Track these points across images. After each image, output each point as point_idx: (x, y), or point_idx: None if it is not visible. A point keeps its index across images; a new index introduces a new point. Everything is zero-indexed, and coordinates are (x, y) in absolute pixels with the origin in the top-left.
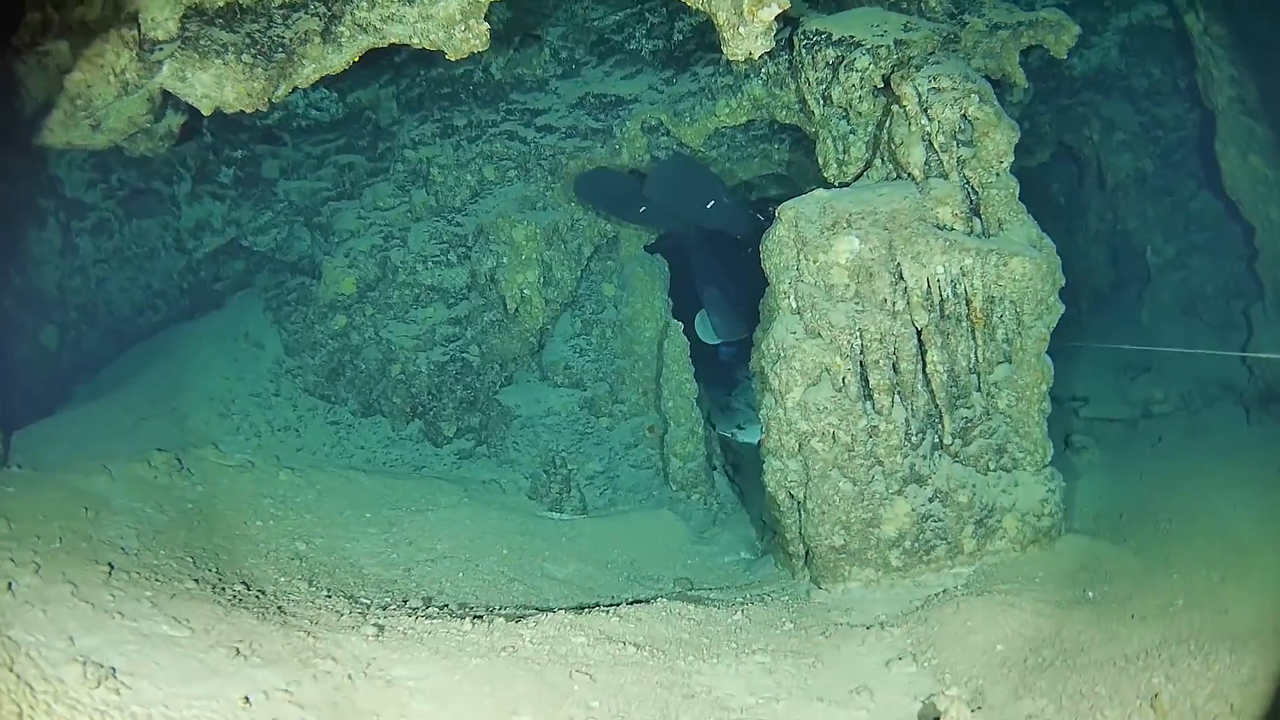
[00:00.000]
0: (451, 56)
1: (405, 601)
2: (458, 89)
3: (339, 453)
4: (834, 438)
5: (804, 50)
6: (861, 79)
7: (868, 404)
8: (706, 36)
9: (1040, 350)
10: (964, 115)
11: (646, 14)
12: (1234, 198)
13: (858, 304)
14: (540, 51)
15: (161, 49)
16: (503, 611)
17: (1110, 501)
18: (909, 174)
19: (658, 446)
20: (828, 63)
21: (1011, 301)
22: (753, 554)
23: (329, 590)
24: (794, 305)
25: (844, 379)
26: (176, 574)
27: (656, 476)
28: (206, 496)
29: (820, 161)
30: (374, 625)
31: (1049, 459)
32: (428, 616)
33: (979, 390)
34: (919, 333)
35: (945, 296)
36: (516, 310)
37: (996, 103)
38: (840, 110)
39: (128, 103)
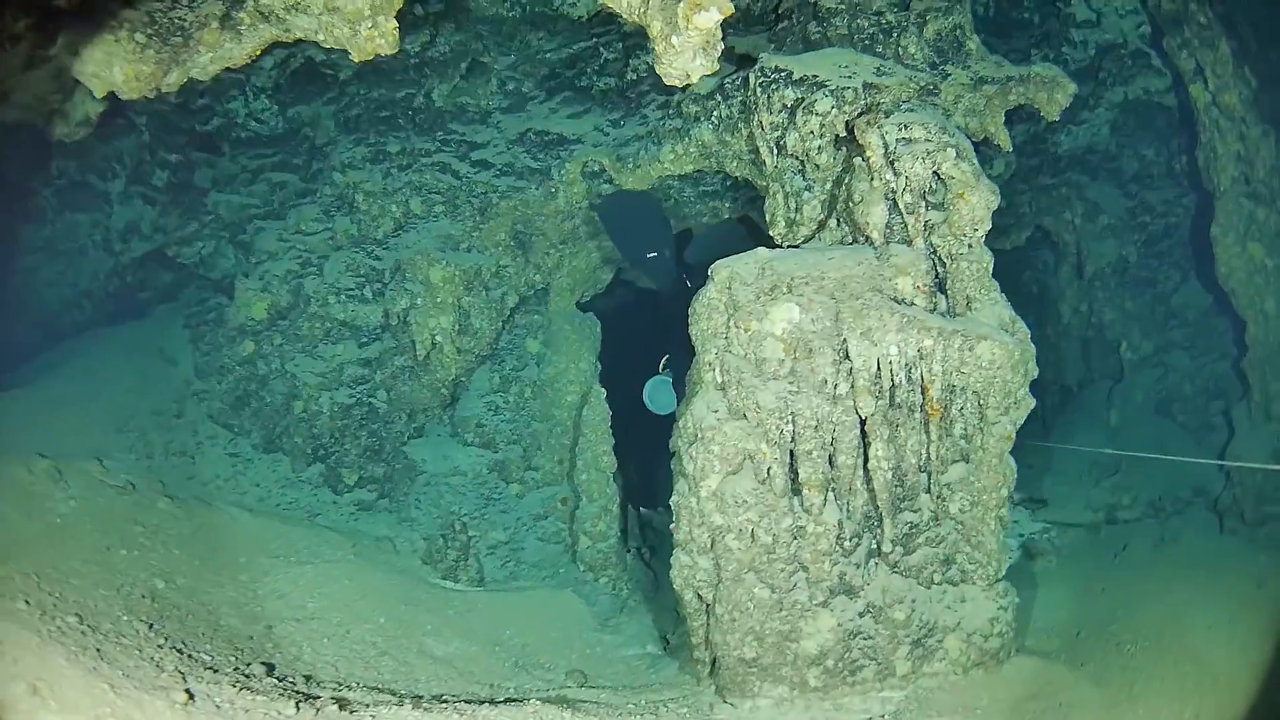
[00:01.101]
0: (356, 57)
1: (245, 665)
2: (397, 113)
3: (232, 487)
4: (753, 536)
5: (759, 90)
6: (822, 125)
7: (795, 500)
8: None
9: (1004, 450)
10: (937, 172)
11: (601, 49)
12: (1227, 288)
13: (792, 383)
14: (488, 81)
15: (63, 18)
16: (353, 692)
17: (1068, 616)
18: (867, 237)
19: (569, 521)
20: (785, 105)
21: (975, 392)
22: (661, 648)
23: (167, 639)
24: (719, 379)
25: (769, 469)
26: (10, 591)
27: (566, 553)
28: (78, 513)
29: (768, 218)
30: (186, 691)
31: (1003, 572)
32: (253, 690)
33: (929, 492)
34: (863, 422)
35: (898, 381)
36: (427, 357)
37: (976, 161)
38: (796, 162)
39: (33, 77)
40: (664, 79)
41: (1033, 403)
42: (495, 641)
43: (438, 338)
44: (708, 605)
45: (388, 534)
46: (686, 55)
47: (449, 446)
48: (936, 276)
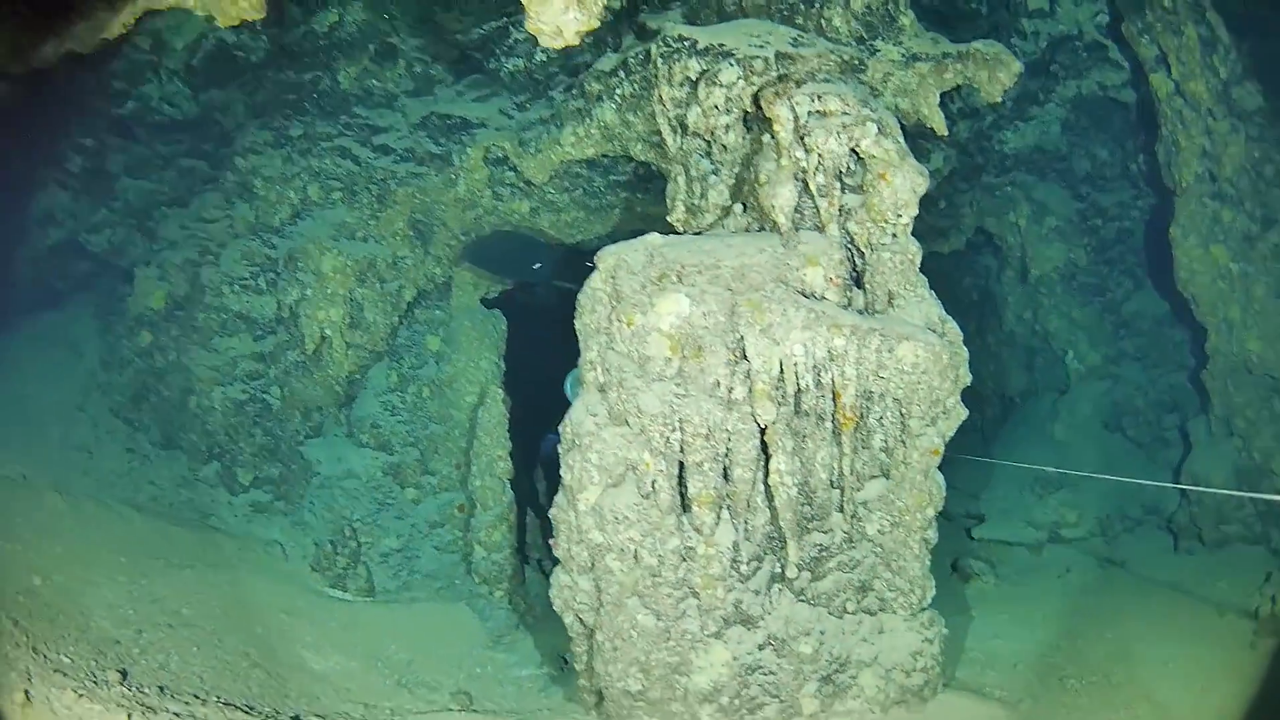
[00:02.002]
0: (222, 22)
1: (101, 671)
2: (304, 96)
3: (127, 484)
4: (635, 557)
5: (660, 61)
6: (727, 99)
7: (684, 518)
8: (573, 58)
9: (929, 465)
10: (855, 150)
11: (512, 28)
12: (1187, 294)
13: (680, 385)
14: (396, 64)
15: None
16: (204, 707)
17: (1006, 646)
18: (773, 222)
19: (464, 530)
20: (688, 78)
21: (896, 400)
22: (558, 668)
23: (29, 638)
24: (600, 380)
25: (654, 483)
26: None
27: (462, 564)
28: None
29: (668, 204)
30: (25, 693)
31: (928, 601)
32: (94, 698)
33: (841, 511)
34: (763, 431)
35: (804, 386)
36: (317, 352)
37: (902, 139)
38: (702, 143)
39: None
40: (537, 38)
41: (964, 413)
42: (378, 657)
43: (327, 331)
44: (590, 630)
45: (279, 538)
46: (557, 6)
47: (344, 448)
48: (853, 268)
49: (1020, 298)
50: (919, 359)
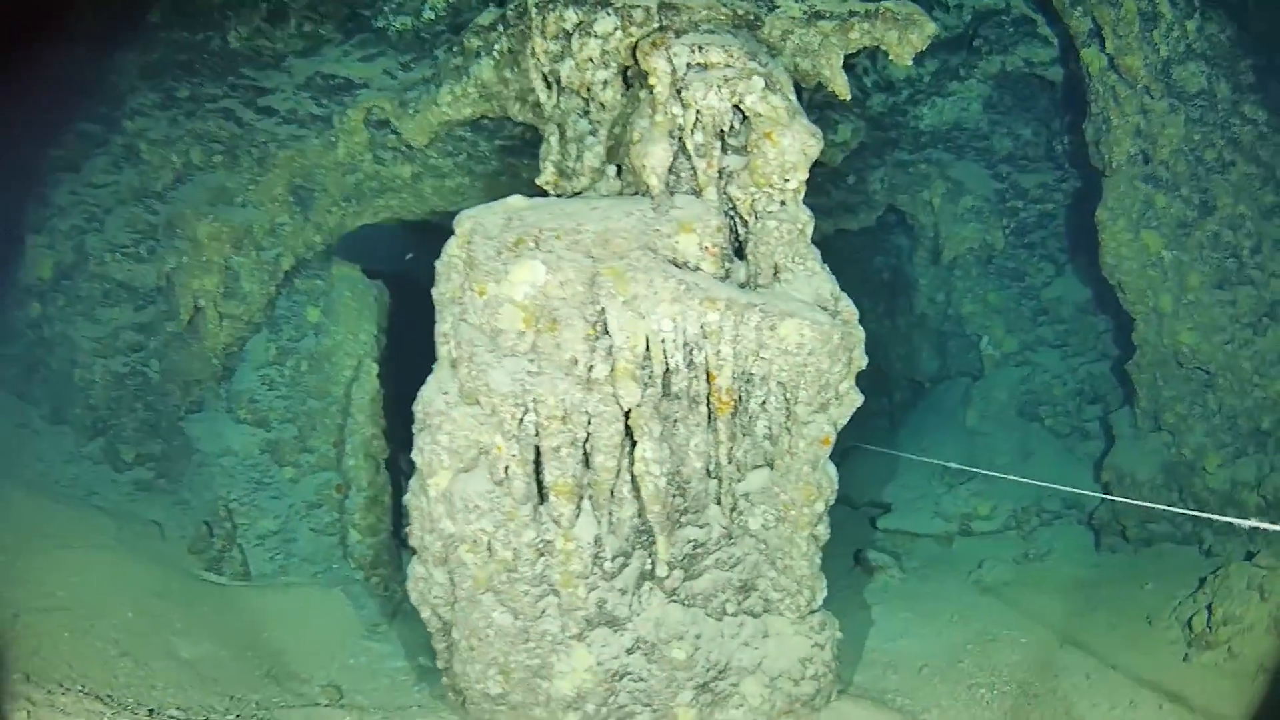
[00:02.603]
0: None
1: None
2: (194, 57)
3: (16, 462)
4: (489, 549)
5: (535, 11)
6: (604, 51)
7: (542, 509)
8: (461, 14)
9: (819, 456)
10: (739, 106)
11: None
12: (1113, 281)
13: (533, 362)
14: (287, 23)
15: None
16: (64, 696)
17: (911, 647)
18: (645, 185)
19: (341, 512)
20: (564, 29)
21: (780, 383)
22: (431, 661)
23: None
24: (453, 354)
25: (507, 469)
26: None
27: (340, 547)
28: None
29: (540, 165)
30: None
31: (818, 601)
32: None
33: (719, 503)
34: (627, 414)
35: (673, 366)
36: (192, 322)
37: (793, 97)
38: (579, 101)
39: None
40: None
41: (859, 399)
42: (250, 645)
43: (201, 301)
44: (448, 626)
45: (159, 518)
46: None
47: (223, 423)
48: (735, 237)
49: (933, 280)
50: (804, 339)
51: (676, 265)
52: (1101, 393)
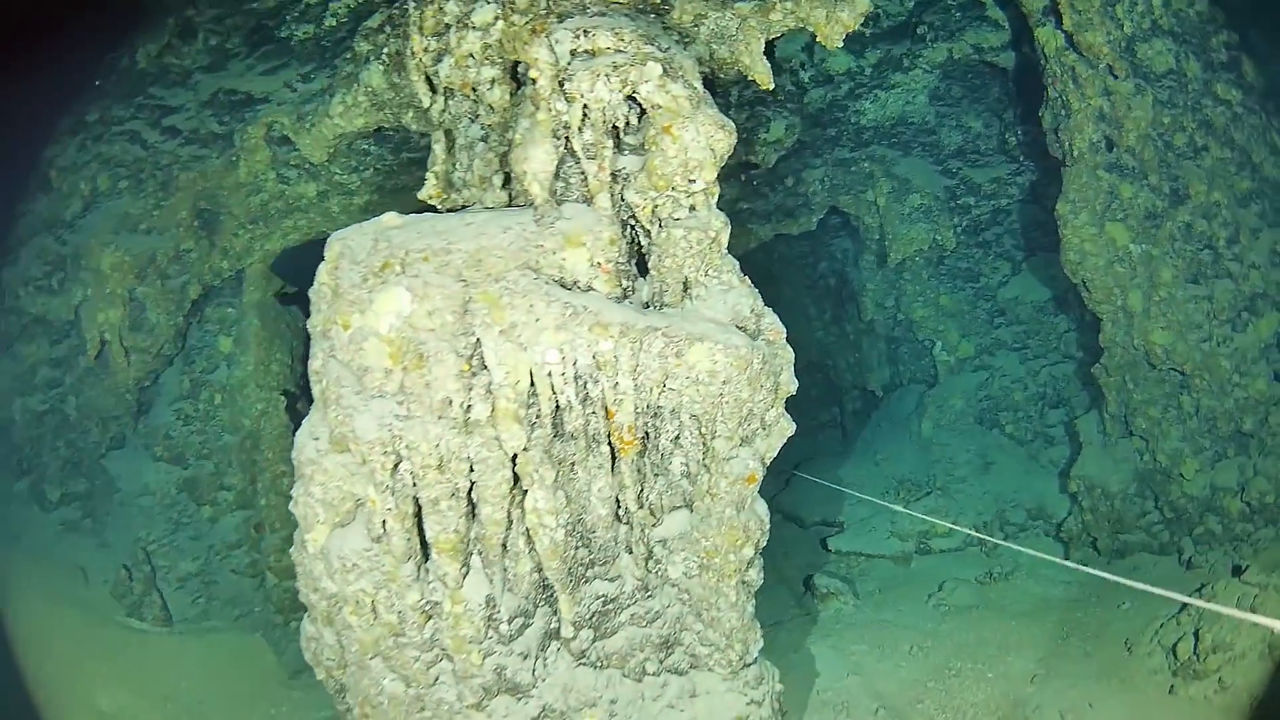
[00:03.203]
0: None
1: None
2: (106, 78)
3: None
4: (374, 611)
5: (413, 4)
6: (485, 45)
7: (425, 566)
8: (364, 20)
9: (744, 496)
10: (633, 95)
11: None
12: (1077, 279)
13: (402, 404)
14: (195, 39)
15: None
16: None
17: (865, 685)
18: (528, 193)
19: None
20: (445, 22)
21: (694, 416)
22: None
23: None
24: (323, 395)
25: (384, 523)
26: None
27: (260, 590)
28: None
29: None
30: None
31: (752, 654)
32: None
33: (632, 552)
34: (514, 460)
35: (564, 403)
36: (100, 356)
37: (698, 84)
38: (470, 104)
39: None
40: None
41: (790, 427)
42: (169, 695)
43: (106, 334)
44: (342, 689)
45: (84, 561)
46: None
47: (141, 460)
48: (635, 251)
49: (881, 284)
50: (717, 365)
51: (564, 286)
52: (1065, 396)
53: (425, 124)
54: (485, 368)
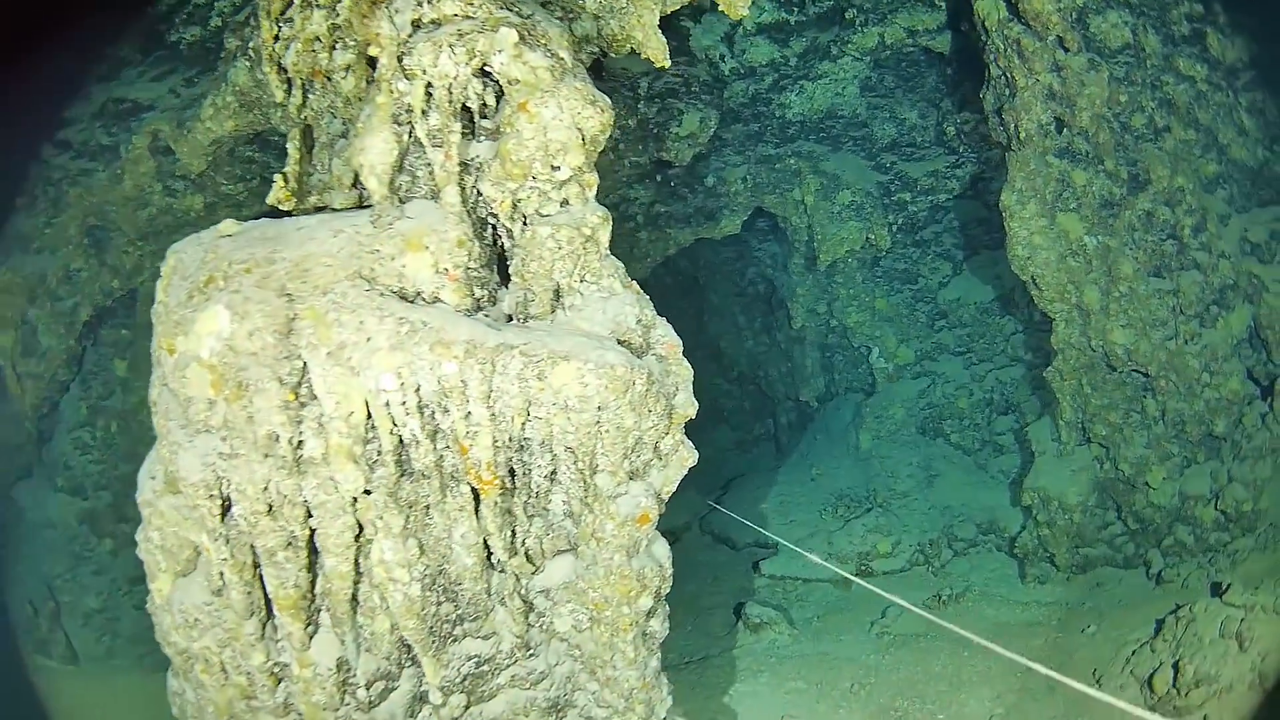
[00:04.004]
0: None
1: None
2: (8, 89)
3: None
4: (223, 671)
5: None
6: (333, 26)
7: (271, 623)
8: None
9: (635, 539)
10: (484, 70)
11: None
12: (1025, 276)
13: (225, 439)
14: (93, 47)
15: None
16: None
17: None
18: (367, 190)
19: None
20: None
21: (569, 448)
22: None
23: None
24: (157, 427)
25: (221, 574)
26: None
27: None
28: None
29: None
30: None
31: (659, 715)
32: None
33: (505, 605)
34: (355, 502)
35: (409, 437)
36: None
37: (565, 53)
38: (329, 95)
39: None
40: None
41: (691, 457)
42: None
43: None
44: None
45: (4, 599)
46: None
47: (44, 492)
48: (493, 253)
49: (811, 288)
50: (588, 388)
51: (405, 298)
52: (1014, 402)
53: (289, 122)
54: (315, 397)
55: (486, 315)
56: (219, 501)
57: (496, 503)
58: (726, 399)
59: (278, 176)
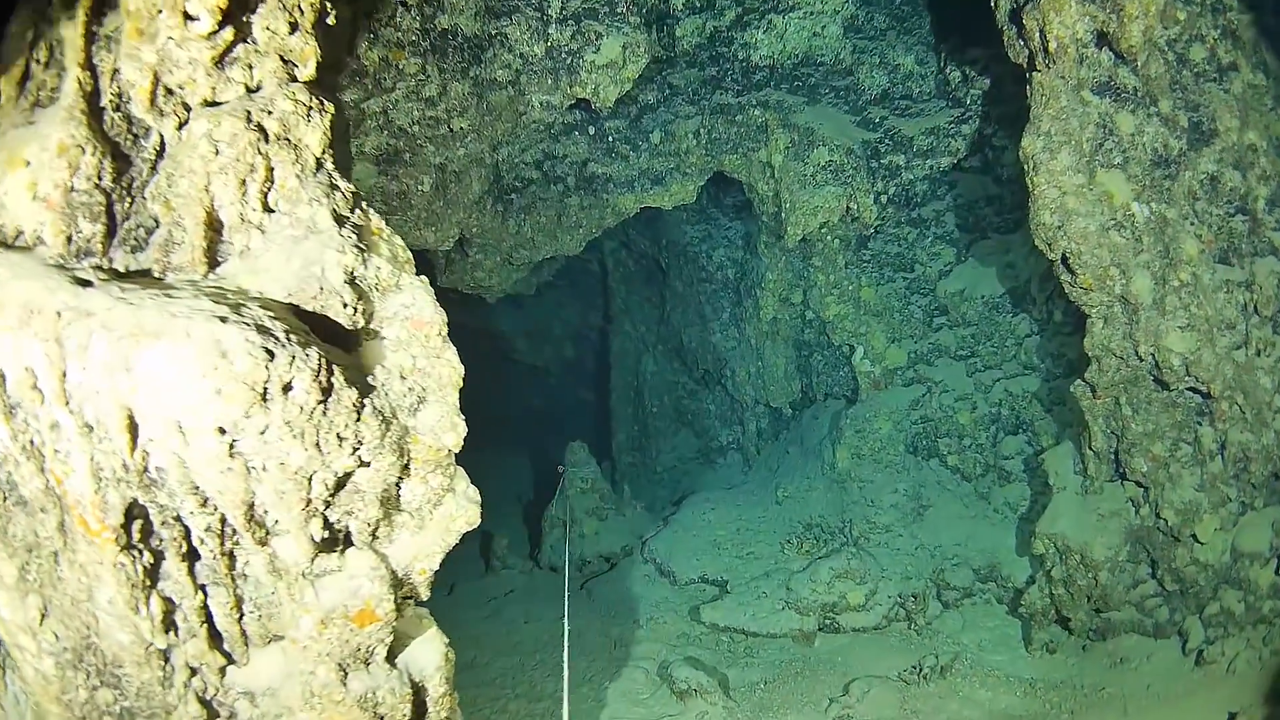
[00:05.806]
0: None
1: None
2: None
3: None
4: None
5: None
6: None
7: None
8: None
9: (351, 643)
10: None
11: None
12: (1055, 252)
13: None
14: None
15: None
16: None
17: None
18: None
19: None
20: None
21: (214, 492)
22: None
23: None
24: None
25: None
26: None
27: None
28: None
29: None
30: None
31: None
32: None
33: (204, 704)
34: None
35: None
36: None
37: None
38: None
39: None
40: None
41: (465, 514)
42: None
43: None
44: None
45: None
46: None
47: None
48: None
49: (784, 272)
50: (189, 390)
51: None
52: (1026, 420)
53: None
54: None
55: (91, 260)
56: None
57: (121, 564)
58: (690, 401)
59: None
